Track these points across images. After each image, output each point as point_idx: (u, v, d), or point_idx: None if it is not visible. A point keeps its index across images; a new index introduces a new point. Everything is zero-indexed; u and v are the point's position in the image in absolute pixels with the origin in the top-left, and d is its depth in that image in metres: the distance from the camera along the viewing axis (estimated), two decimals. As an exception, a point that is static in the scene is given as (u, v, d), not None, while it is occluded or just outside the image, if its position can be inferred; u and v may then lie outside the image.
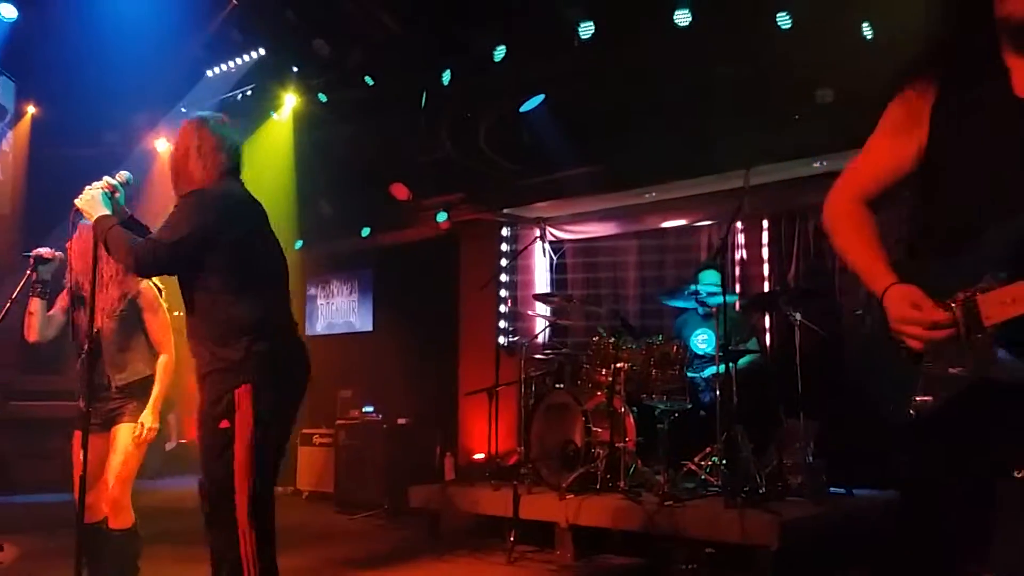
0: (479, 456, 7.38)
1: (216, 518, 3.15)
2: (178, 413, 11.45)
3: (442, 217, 8.11)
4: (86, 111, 9.60)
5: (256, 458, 3.10)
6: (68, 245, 4.19)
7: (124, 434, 4.07)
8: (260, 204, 3.39)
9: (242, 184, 3.42)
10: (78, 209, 3.36)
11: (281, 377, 3.23)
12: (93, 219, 3.32)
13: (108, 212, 3.33)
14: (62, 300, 4.26)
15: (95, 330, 4.03)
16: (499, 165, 7.61)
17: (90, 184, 3.40)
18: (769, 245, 7.19)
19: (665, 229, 7.71)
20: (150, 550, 4.28)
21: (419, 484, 6.68)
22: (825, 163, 6.19)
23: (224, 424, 3.10)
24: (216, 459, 3.12)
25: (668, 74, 6.36)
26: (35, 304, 4.12)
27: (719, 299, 5.64)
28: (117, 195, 3.40)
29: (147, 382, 4.18)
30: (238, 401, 3.10)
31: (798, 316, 5.66)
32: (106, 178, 3.41)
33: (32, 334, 4.20)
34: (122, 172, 3.52)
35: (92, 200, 3.34)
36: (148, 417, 4.06)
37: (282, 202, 9.24)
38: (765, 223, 7.20)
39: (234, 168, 3.39)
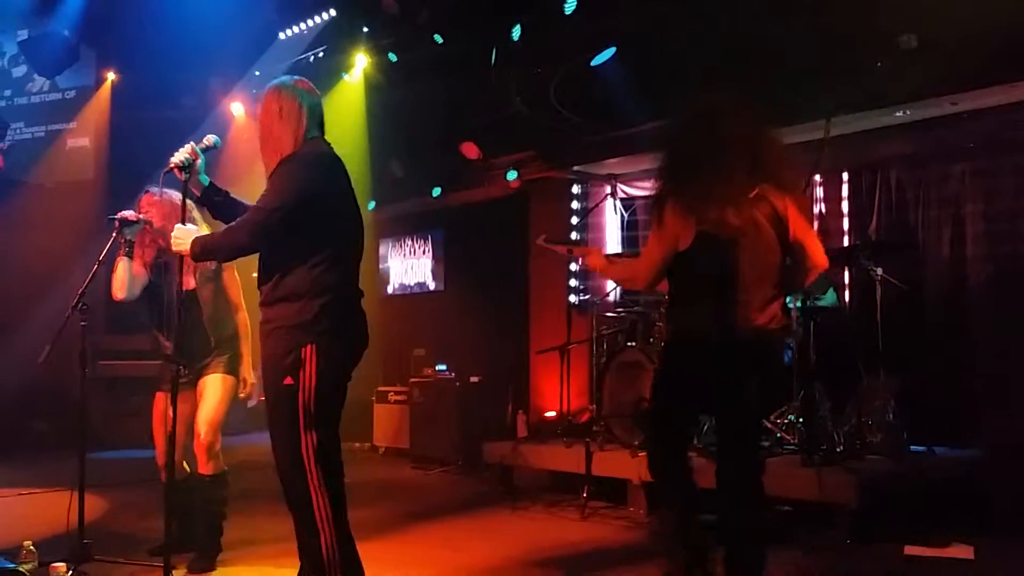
0: (551, 414, 7.40)
1: (286, 472, 3.26)
2: (257, 372, 11.75)
3: (512, 176, 8.07)
4: (163, 76, 9.82)
5: (319, 413, 3.21)
6: (143, 207, 4.30)
7: (214, 383, 4.27)
8: (344, 165, 3.44)
9: (328, 144, 3.47)
10: (171, 168, 3.41)
11: (345, 341, 3.32)
12: (189, 250, 3.35)
13: (192, 238, 3.37)
14: (140, 261, 4.38)
15: (187, 291, 4.17)
16: (570, 121, 7.51)
17: (176, 149, 3.43)
18: (849, 198, 6.98)
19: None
20: (234, 503, 4.42)
21: (492, 441, 6.75)
22: (908, 112, 5.96)
23: (288, 381, 3.20)
24: (282, 412, 3.23)
25: (742, 23, 6.18)
26: (122, 263, 4.27)
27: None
28: (199, 161, 3.44)
29: (234, 337, 4.38)
30: (304, 358, 3.19)
31: (879, 271, 5.50)
32: (191, 144, 3.45)
33: (119, 292, 4.35)
34: (209, 136, 3.56)
35: (180, 236, 3.38)
36: (249, 373, 4.34)
37: (354, 163, 9.24)
38: (845, 175, 6.99)
39: (318, 128, 3.44)
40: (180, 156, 3.40)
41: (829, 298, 6.08)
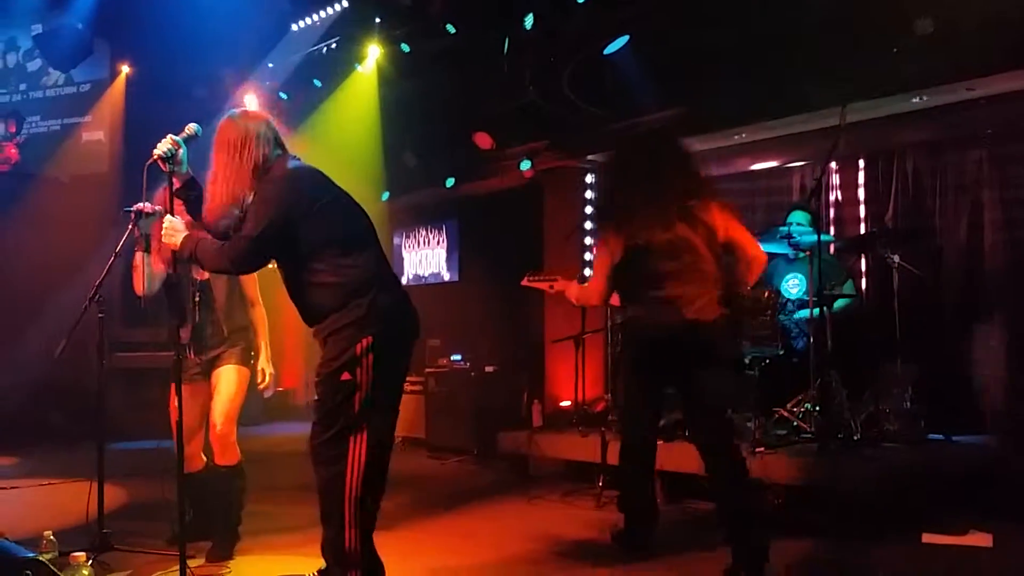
0: (566, 403, 7.40)
1: (328, 459, 3.27)
2: (275, 362, 11.79)
3: (526, 165, 8.06)
4: (177, 69, 9.83)
5: (374, 405, 3.23)
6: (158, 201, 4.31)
7: (228, 375, 4.28)
8: (320, 170, 3.44)
9: (295, 157, 3.48)
10: (155, 159, 3.40)
11: (397, 329, 3.35)
12: (177, 246, 3.39)
13: (185, 234, 3.40)
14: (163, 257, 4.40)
15: (201, 281, 4.19)
16: (583, 110, 7.49)
17: (160, 139, 3.44)
18: (865, 185, 6.94)
19: (755, 171, 7.50)
20: (252, 493, 4.45)
21: (507, 430, 6.76)
22: (925, 98, 5.90)
23: (346, 376, 3.22)
24: (337, 408, 3.23)
25: (756, 8, 6.13)
26: (139, 258, 4.28)
27: (812, 239, 5.46)
28: (180, 152, 3.43)
29: (247, 328, 4.41)
30: (360, 354, 3.21)
31: (896, 258, 5.48)
32: (170, 136, 3.44)
33: (139, 287, 4.37)
34: (190, 124, 3.54)
35: (171, 230, 3.41)
36: (267, 364, 4.42)
37: (368, 155, 9.32)
38: (861, 162, 6.94)
39: (279, 147, 3.45)
40: (162, 147, 3.39)
41: (847, 288, 6.05)
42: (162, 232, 3.44)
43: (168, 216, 3.45)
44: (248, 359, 4.37)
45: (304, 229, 3.27)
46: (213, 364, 4.31)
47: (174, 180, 3.46)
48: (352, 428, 3.22)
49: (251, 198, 3.34)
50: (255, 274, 4.42)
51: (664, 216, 3.95)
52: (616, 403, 6.08)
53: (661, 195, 3.98)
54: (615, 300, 4.28)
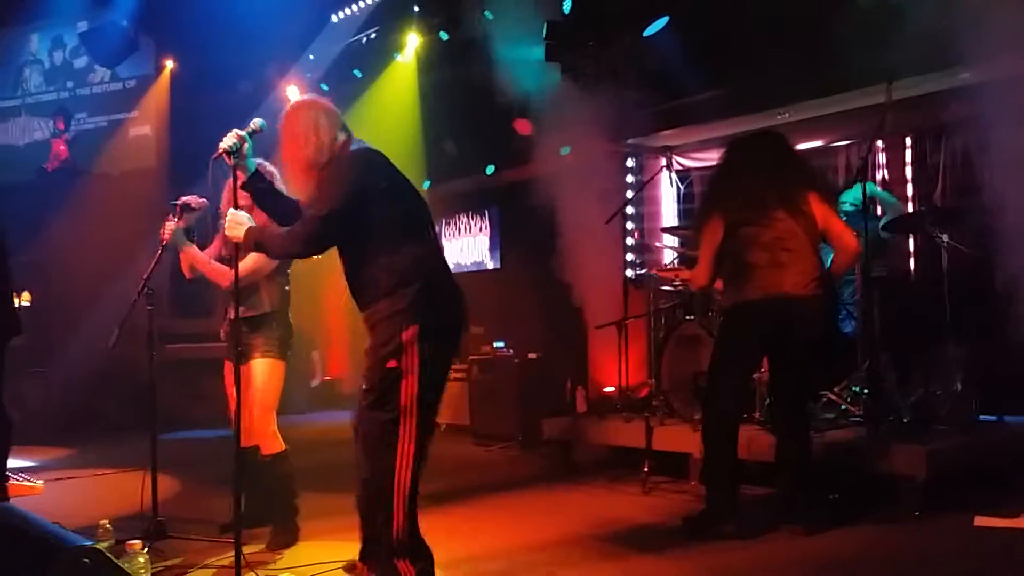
0: (609, 389, 7.39)
1: (376, 447, 3.31)
2: (322, 351, 11.94)
3: (566, 151, 8.03)
4: (220, 62, 9.96)
5: (420, 394, 3.26)
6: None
7: (258, 368, 4.29)
8: (383, 153, 3.48)
9: (359, 140, 3.53)
10: (220, 154, 3.46)
11: (444, 318, 3.37)
12: (241, 238, 3.43)
13: (250, 224, 3.45)
14: (215, 249, 4.47)
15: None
16: (623, 93, 7.44)
17: (224, 134, 3.50)
18: (913, 163, 6.81)
19: (800, 152, 7.38)
20: (303, 481, 4.51)
21: (551, 417, 6.77)
22: (972, 74, 5.75)
23: (392, 364, 3.25)
24: (384, 396, 3.27)
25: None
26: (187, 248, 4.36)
27: (859, 220, 5.38)
28: (246, 146, 3.49)
29: (269, 317, 4.35)
30: (406, 342, 3.25)
31: (945, 237, 5.37)
32: (235, 130, 3.49)
33: (189, 272, 4.46)
34: (255, 120, 3.61)
35: (234, 223, 3.45)
36: (314, 353, 4.36)
37: (408, 143, 9.37)
38: (909, 140, 6.81)
39: (343, 131, 3.50)
40: (228, 141, 3.45)
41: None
42: (226, 225, 3.48)
43: (231, 210, 3.50)
44: (282, 350, 4.35)
45: (369, 211, 3.31)
46: (247, 353, 4.27)
47: (238, 174, 3.52)
48: (400, 416, 3.25)
49: (319, 177, 3.38)
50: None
51: (764, 206, 4.28)
52: (661, 388, 6.06)
53: (762, 186, 4.31)
54: (719, 285, 4.64)
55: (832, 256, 4.48)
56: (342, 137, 3.47)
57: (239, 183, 3.55)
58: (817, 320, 4.32)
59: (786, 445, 4.40)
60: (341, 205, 3.29)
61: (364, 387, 3.37)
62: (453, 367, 8.34)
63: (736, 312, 4.40)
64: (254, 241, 3.43)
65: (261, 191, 3.58)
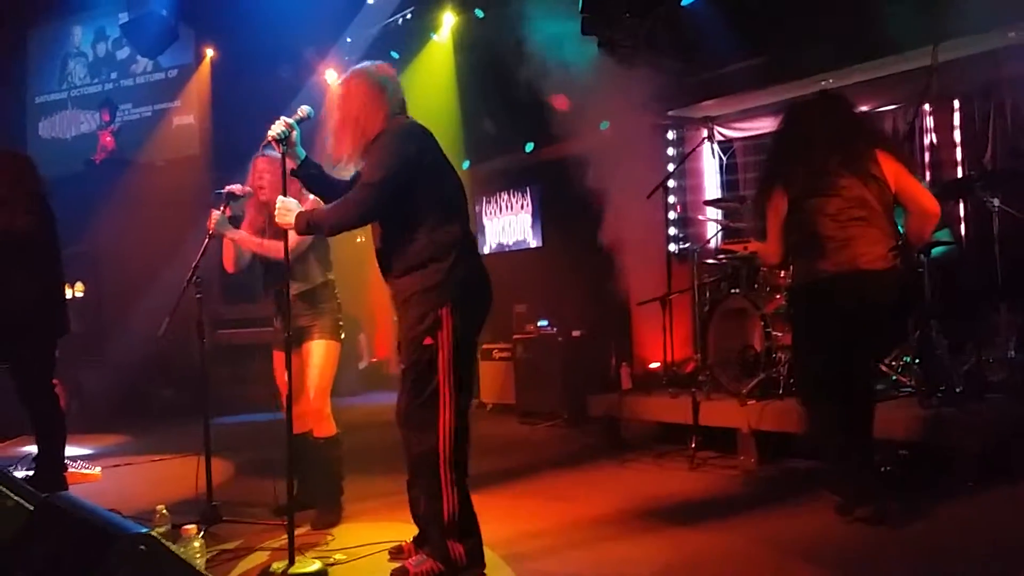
0: (655, 365, 7.36)
1: (419, 426, 3.38)
2: (368, 334, 12.06)
3: (605, 125, 7.97)
4: (259, 49, 10.02)
5: (456, 369, 3.34)
6: (259, 170, 4.43)
7: (316, 350, 4.38)
8: (432, 133, 3.52)
9: (411, 118, 3.57)
10: (269, 141, 3.50)
11: (474, 296, 3.45)
12: (292, 224, 3.46)
13: (299, 210, 3.47)
14: (250, 225, 4.52)
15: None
16: (662, 65, 7.34)
17: (271, 121, 3.51)
18: (961, 127, 6.63)
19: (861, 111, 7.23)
20: (349, 460, 4.58)
21: (597, 394, 6.77)
22: (1021, 33, 5.59)
23: (428, 341, 3.33)
24: (422, 372, 3.35)
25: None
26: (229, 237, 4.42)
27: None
28: (294, 133, 3.51)
29: (334, 299, 4.46)
30: (442, 320, 3.32)
31: (996, 202, 5.23)
32: (284, 118, 3.52)
33: (230, 265, 4.53)
34: (303, 107, 3.63)
35: (284, 210, 3.48)
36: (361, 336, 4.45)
37: (447, 123, 9.36)
38: (956, 103, 6.63)
39: (401, 109, 3.55)
40: (276, 129, 3.48)
41: (943, 234, 5.82)
42: (276, 213, 3.52)
43: (280, 196, 3.53)
44: (337, 331, 4.46)
45: (417, 183, 3.36)
46: (303, 336, 4.39)
47: (287, 161, 3.55)
48: (439, 393, 3.31)
49: (371, 147, 3.42)
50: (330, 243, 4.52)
51: (828, 173, 4.00)
52: (707, 362, 6.02)
53: (824, 153, 4.02)
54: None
55: (908, 220, 4.10)
56: (398, 108, 3.53)
57: (289, 170, 3.58)
58: (894, 296, 4.02)
59: (854, 431, 3.98)
60: (394, 174, 3.33)
61: (402, 367, 3.44)
62: (497, 347, 8.47)
63: (808, 291, 4.13)
64: (305, 223, 3.46)
65: (312, 177, 3.61)
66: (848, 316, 3.97)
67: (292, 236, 3.67)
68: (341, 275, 4.65)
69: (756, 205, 4.41)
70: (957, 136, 6.65)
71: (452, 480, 3.32)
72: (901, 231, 4.10)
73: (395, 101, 3.52)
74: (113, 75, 11.73)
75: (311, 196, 3.93)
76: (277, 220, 3.53)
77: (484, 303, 3.51)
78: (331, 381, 4.43)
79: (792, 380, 5.41)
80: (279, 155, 3.54)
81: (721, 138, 8.15)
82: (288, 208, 3.48)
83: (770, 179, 4.27)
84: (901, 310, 4.30)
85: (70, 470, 5.38)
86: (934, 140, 6.82)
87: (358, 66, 3.60)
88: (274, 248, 4.27)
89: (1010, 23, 5.54)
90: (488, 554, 3.50)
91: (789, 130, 4.30)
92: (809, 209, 4.04)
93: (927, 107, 6.67)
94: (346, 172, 3.61)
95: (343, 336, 4.53)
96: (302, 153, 3.57)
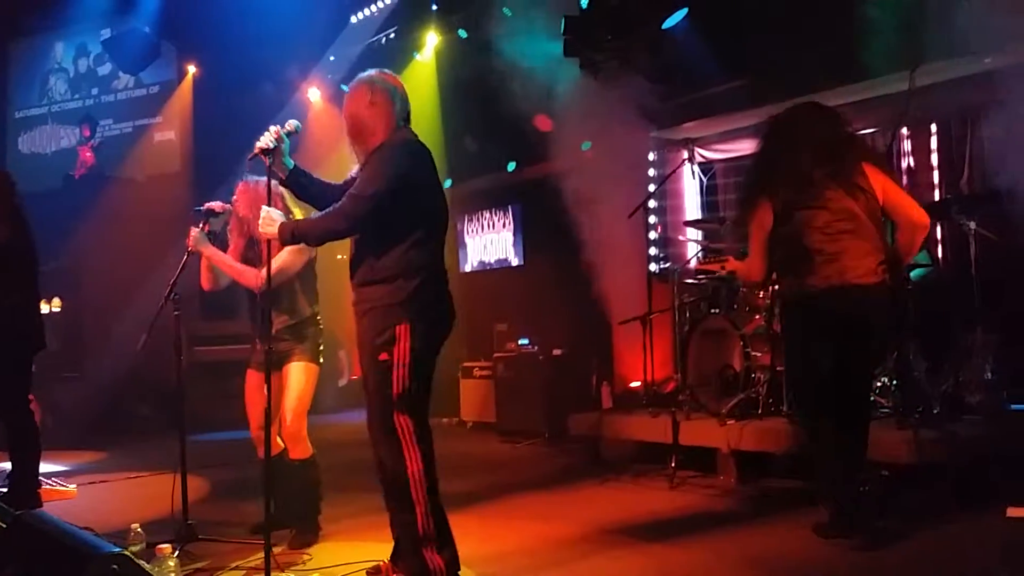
0: (635, 384, 7.37)
1: (382, 445, 3.42)
2: (349, 351, 11.99)
3: (587, 146, 8.01)
4: (242, 66, 10.02)
5: (412, 386, 3.36)
6: (234, 200, 4.42)
7: (295, 372, 4.34)
8: (430, 151, 3.55)
9: (414, 133, 3.59)
10: (256, 153, 3.49)
11: (434, 320, 3.46)
12: (277, 234, 3.46)
13: (283, 220, 3.48)
14: (234, 251, 4.50)
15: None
16: (643, 87, 7.40)
17: (255, 138, 3.51)
18: (938, 150, 6.71)
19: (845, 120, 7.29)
20: (328, 478, 4.54)
21: (577, 413, 6.76)
22: (997, 59, 5.67)
23: (383, 356, 3.36)
24: (378, 385, 3.39)
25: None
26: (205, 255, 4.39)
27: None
28: (283, 145, 3.52)
29: (315, 322, 4.44)
30: (398, 336, 3.34)
31: (972, 224, 5.30)
32: (274, 128, 3.52)
33: (207, 283, 4.50)
34: (290, 121, 3.63)
35: (268, 220, 3.48)
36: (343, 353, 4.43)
37: (430, 142, 9.19)
38: (933, 127, 6.71)
39: (405, 120, 3.58)
40: (265, 140, 3.48)
41: (920, 256, 5.87)
42: (260, 223, 3.51)
43: (265, 207, 3.53)
44: (317, 354, 4.43)
45: (407, 200, 3.38)
46: (283, 358, 4.37)
47: (277, 173, 3.55)
48: (395, 408, 3.34)
49: (369, 158, 3.45)
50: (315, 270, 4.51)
51: (814, 185, 3.90)
52: (687, 382, 6.03)
53: (810, 163, 3.92)
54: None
55: (897, 233, 4.04)
56: (402, 123, 3.55)
57: (281, 179, 3.60)
58: (884, 311, 3.95)
59: (846, 452, 3.93)
60: (388, 188, 3.35)
61: (363, 380, 3.48)
62: (478, 365, 8.45)
63: (797, 306, 4.04)
64: (290, 233, 3.46)
65: (303, 186, 3.62)
66: (839, 330, 3.89)
67: (276, 261, 3.66)
68: (322, 291, 4.62)
69: (739, 218, 4.30)
70: (934, 159, 6.73)
71: (423, 492, 3.33)
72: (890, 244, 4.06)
73: (401, 112, 3.55)
74: (94, 91, 11.68)
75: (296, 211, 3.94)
76: (261, 230, 3.52)
77: (443, 327, 3.52)
78: (308, 404, 4.38)
79: (771, 400, 5.44)
80: (265, 172, 3.54)
81: (702, 159, 8.21)
82: (272, 218, 3.48)
83: (754, 191, 4.14)
84: (890, 325, 4.22)
85: (44, 487, 5.32)
86: (911, 163, 6.89)
87: (366, 73, 3.62)
88: (250, 275, 4.26)
89: (985, 50, 5.62)
90: (466, 573, 3.48)
91: (772, 140, 4.19)
92: (797, 222, 3.94)
93: (905, 131, 6.75)
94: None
95: (322, 361, 4.49)
96: (291, 163, 3.57)
